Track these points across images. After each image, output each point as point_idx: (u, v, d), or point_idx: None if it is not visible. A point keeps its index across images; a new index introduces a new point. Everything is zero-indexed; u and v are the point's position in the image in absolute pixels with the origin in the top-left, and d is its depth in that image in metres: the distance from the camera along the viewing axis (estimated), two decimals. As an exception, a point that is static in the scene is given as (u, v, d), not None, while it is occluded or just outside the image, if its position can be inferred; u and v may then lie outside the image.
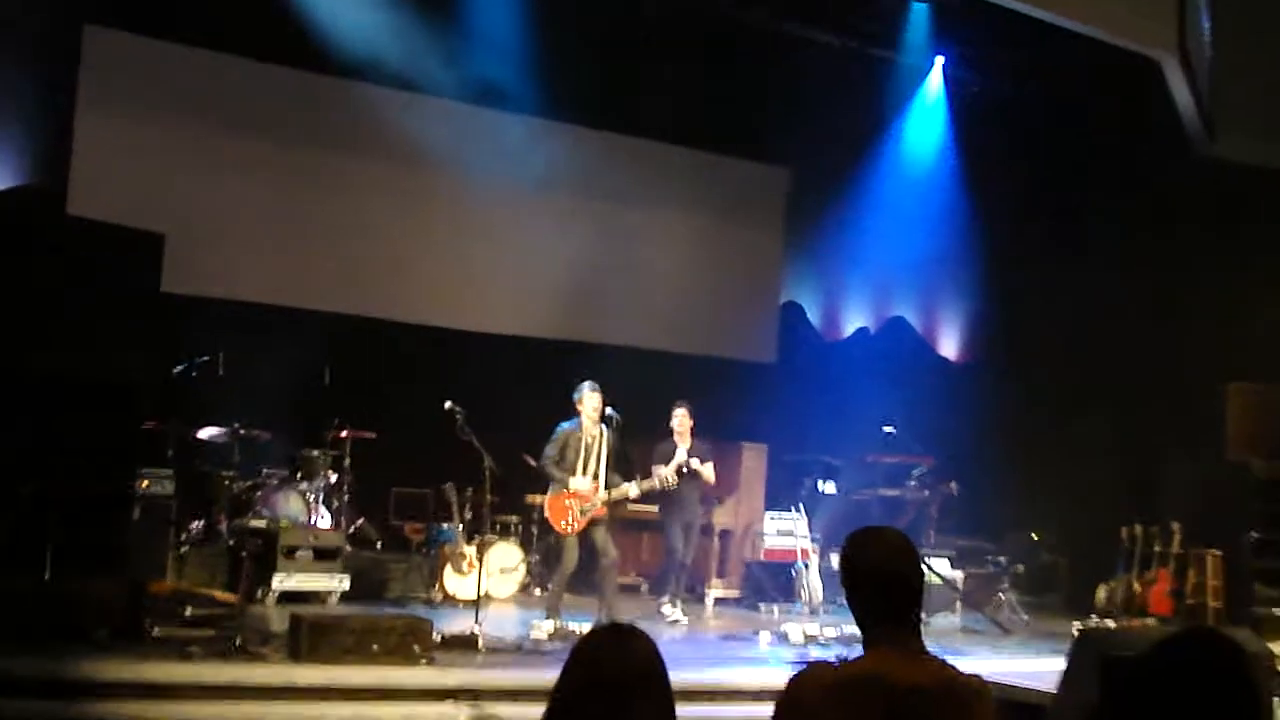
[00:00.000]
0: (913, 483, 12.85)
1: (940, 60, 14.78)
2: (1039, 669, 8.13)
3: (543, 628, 9.35)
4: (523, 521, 12.12)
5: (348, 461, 11.43)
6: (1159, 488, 12.71)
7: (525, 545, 12.00)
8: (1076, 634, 7.14)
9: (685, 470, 10.96)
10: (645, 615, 10.55)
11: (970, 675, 3.12)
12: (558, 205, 13.42)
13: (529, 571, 11.90)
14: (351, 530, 11.41)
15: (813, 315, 15.66)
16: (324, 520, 10.98)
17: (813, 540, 12.42)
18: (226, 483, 10.86)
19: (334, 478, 11.31)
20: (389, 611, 9.50)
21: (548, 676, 2.92)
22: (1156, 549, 12.02)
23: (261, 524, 10.44)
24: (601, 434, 9.88)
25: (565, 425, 9.91)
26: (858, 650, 3.13)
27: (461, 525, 11.42)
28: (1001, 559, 12.63)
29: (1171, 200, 13.13)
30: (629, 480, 10.20)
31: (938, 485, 12.68)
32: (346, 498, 11.40)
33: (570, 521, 9.73)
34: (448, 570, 11.24)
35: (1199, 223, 12.84)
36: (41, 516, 8.00)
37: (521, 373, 12.58)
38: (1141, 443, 13.13)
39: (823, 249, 15.26)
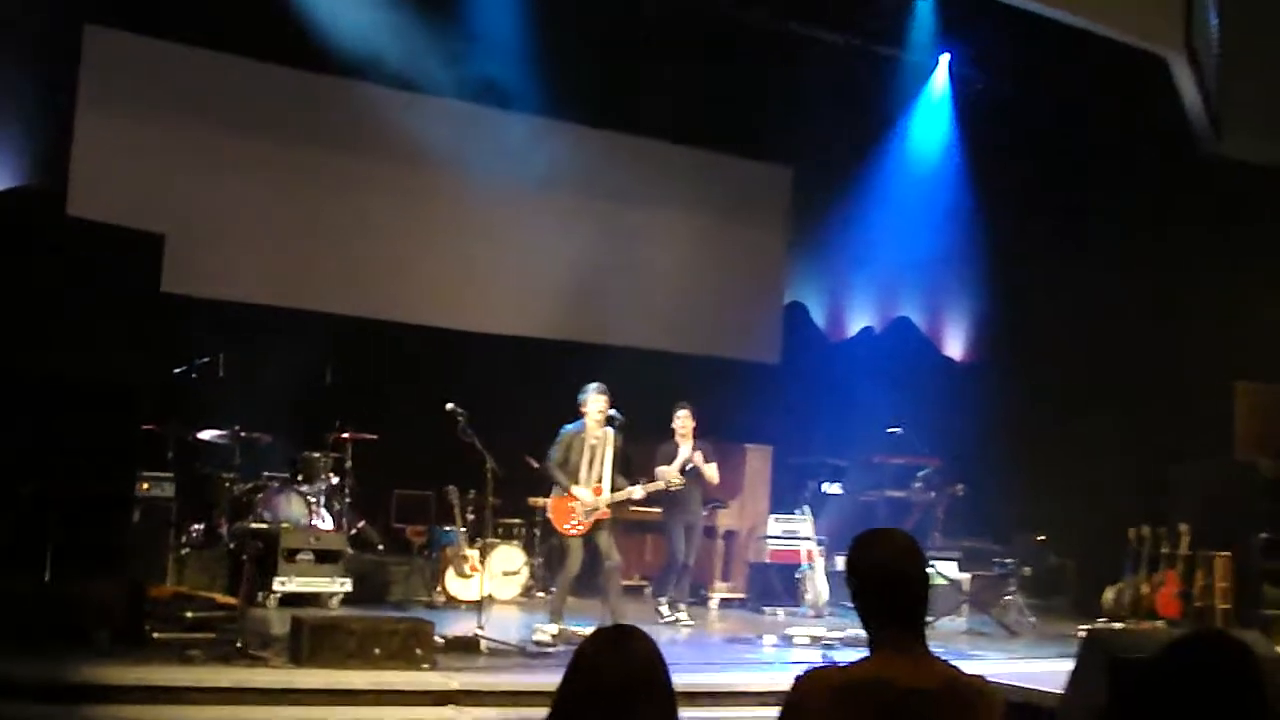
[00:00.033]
0: (919, 484, 12.82)
1: (945, 58, 14.73)
2: (1046, 671, 8.06)
3: (546, 631, 9.30)
4: (525, 524, 12.10)
5: (349, 464, 11.39)
6: (1167, 488, 12.66)
7: (528, 548, 11.98)
8: (1084, 636, 7.08)
9: (689, 467, 10.93)
10: (649, 618, 10.52)
11: (974, 676, 3.12)
12: (560, 205, 13.39)
13: (532, 574, 11.88)
14: (353, 533, 11.34)
15: (817, 315, 15.63)
16: (325, 523, 10.93)
17: (818, 542, 12.40)
18: (227, 485, 10.84)
19: (335, 480, 11.27)
20: (391, 615, 9.41)
21: (551, 680, 2.92)
22: (1164, 550, 11.97)
23: (262, 527, 10.40)
24: (606, 436, 9.80)
25: (569, 427, 9.84)
26: (864, 652, 3.12)
27: (464, 527, 11.37)
28: (1008, 561, 12.54)
29: (1176, 199, 13.08)
30: (634, 483, 10.14)
31: (944, 486, 12.63)
32: (348, 500, 11.36)
33: (574, 524, 9.66)
34: (450, 573, 11.20)
35: (1203, 221, 12.78)
36: (41, 517, 7.97)
37: (524, 374, 12.56)
38: (1149, 443, 13.07)
39: (827, 248, 15.24)
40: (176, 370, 10.74)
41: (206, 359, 10.74)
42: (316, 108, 12.42)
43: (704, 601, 12.44)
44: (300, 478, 11.07)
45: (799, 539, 12.43)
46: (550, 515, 9.90)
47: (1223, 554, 11.77)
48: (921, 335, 16.02)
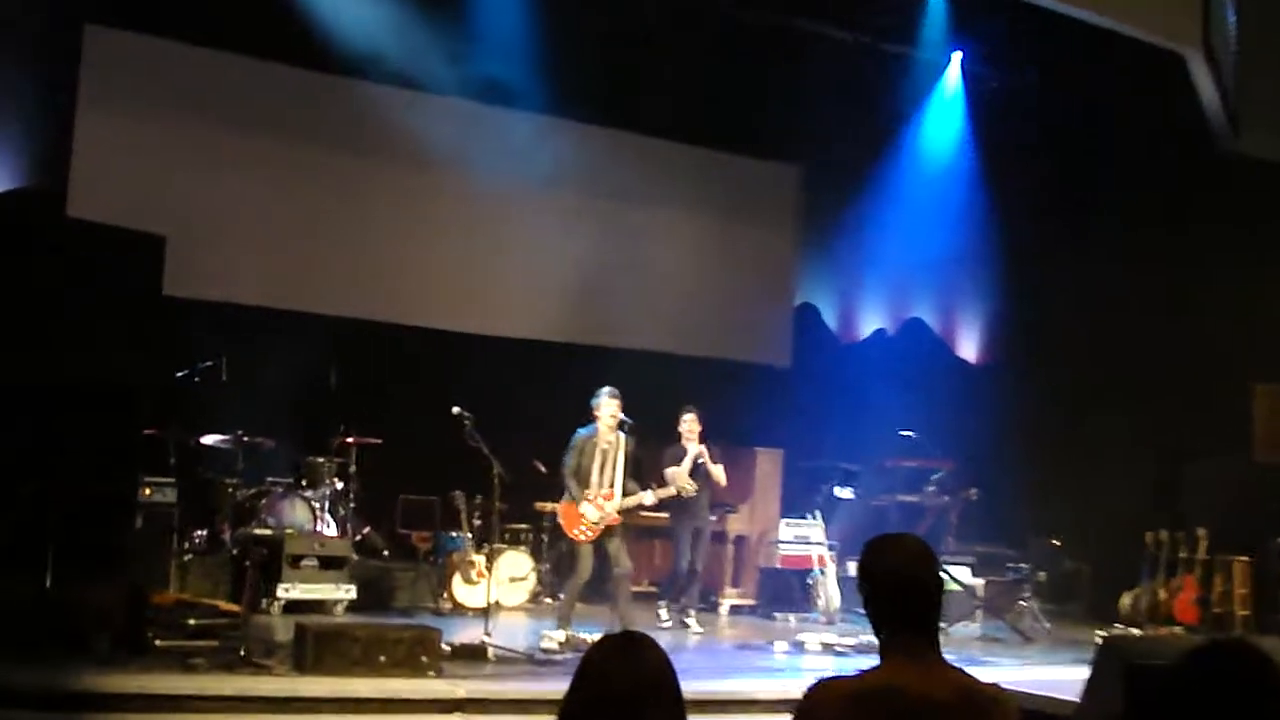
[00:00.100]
0: (932, 488, 12.74)
1: (958, 55, 14.63)
2: (1062, 678, 8.01)
3: (554, 637, 9.25)
4: (533, 529, 12.08)
5: (353, 468, 11.33)
6: (1184, 491, 12.55)
7: (535, 553, 11.96)
8: (1100, 643, 7.04)
9: (699, 461, 10.93)
10: (657, 624, 10.46)
11: (988, 684, 3.09)
12: (565, 204, 13.32)
13: (539, 580, 11.84)
14: (358, 539, 11.30)
15: (828, 317, 15.54)
16: (330, 528, 10.88)
17: (830, 547, 12.35)
18: (230, 490, 10.79)
19: (340, 485, 11.22)
20: (396, 621, 9.45)
21: (559, 688, 2.89)
22: (1182, 555, 11.92)
23: (266, 532, 10.34)
24: (618, 441, 9.75)
25: (582, 432, 9.79)
26: (876, 659, 3.11)
27: (470, 533, 11.34)
28: (1023, 566, 12.51)
29: (1193, 197, 12.98)
30: (645, 488, 10.08)
31: (957, 490, 12.57)
32: (353, 505, 11.31)
33: (584, 529, 9.57)
34: (456, 579, 11.15)
35: (1221, 220, 12.67)
36: (41, 518, 7.93)
37: (529, 376, 12.50)
38: (1166, 445, 12.98)
39: (839, 249, 15.15)
40: (178, 374, 10.69)
41: (209, 362, 10.70)
42: (319, 107, 12.37)
43: (714, 608, 12.38)
44: (304, 483, 11.02)
45: (810, 544, 12.37)
46: (561, 520, 9.90)
47: (1241, 559, 11.72)
48: (935, 337, 15.92)
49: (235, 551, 10.30)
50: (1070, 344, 14.36)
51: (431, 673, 7.67)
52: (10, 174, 10.69)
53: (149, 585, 8.79)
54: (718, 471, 11.12)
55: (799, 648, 10.00)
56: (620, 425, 9.70)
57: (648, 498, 9.99)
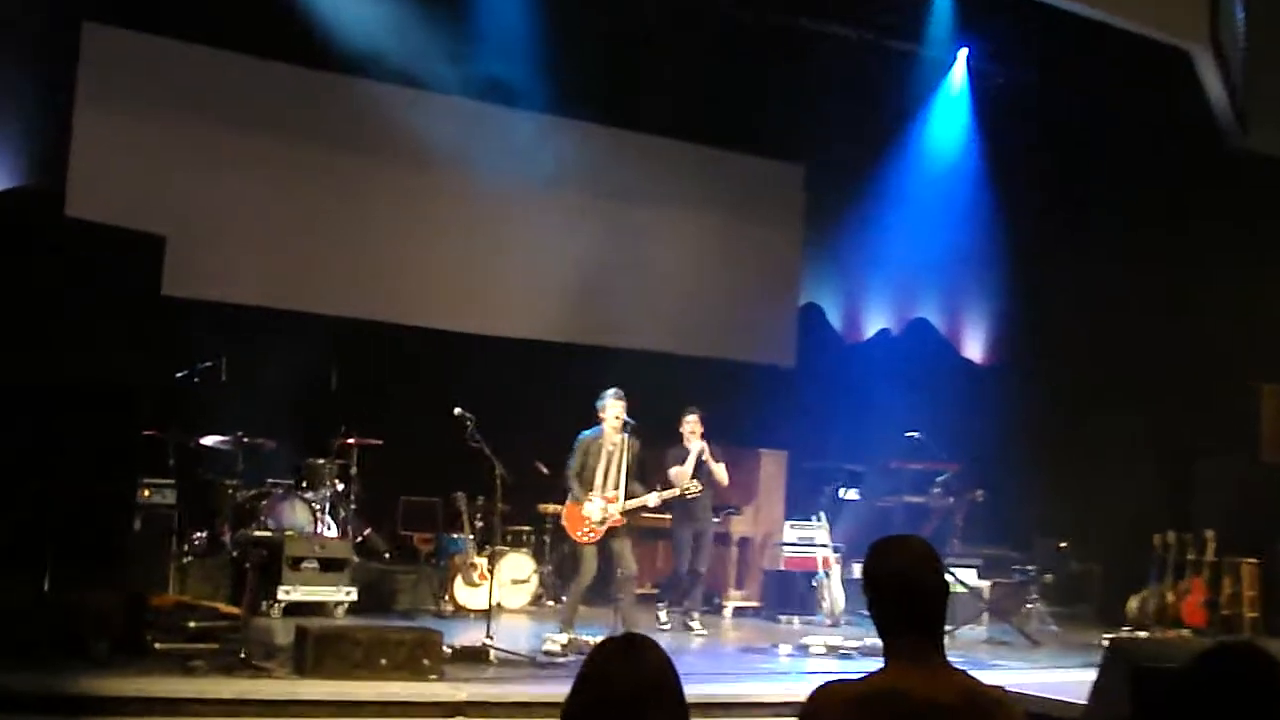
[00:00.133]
0: (937, 489, 12.68)
1: (964, 53, 14.56)
2: (1069, 681, 8.00)
3: (556, 640, 9.21)
4: (535, 531, 12.06)
5: (354, 470, 11.30)
6: (1192, 492, 12.50)
7: (538, 555, 11.95)
8: (1107, 646, 7.01)
9: (703, 458, 10.90)
10: (659, 627, 10.47)
11: (992, 687, 3.09)
12: (567, 204, 13.27)
13: (542, 582, 11.81)
14: (359, 540, 11.28)
15: (833, 317, 15.49)
16: (330, 530, 10.85)
17: (834, 549, 12.33)
18: (230, 492, 10.76)
19: (340, 486, 11.20)
20: (397, 624, 9.43)
21: (561, 690, 2.87)
22: (1190, 557, 11.87)
23: (266, 534, 10.32)
24: (623, 442, 9.72)
25: (586, 434, 9.78)
26: (880, 662, 3.10)
27: (472, 535, 11.30)
28: (1029, 568, 12.49)
29: (1201, 194, 12.93)
30: (649, 489, 10.04)
31: (963, 492, 12.50)
32: (353, 507, 11.27)
33: (588, 531, 9.53)
34: (458, 581, 11.12)
35: (1229, 217, 12.63)
36: (40, 519, 7.89)
37: (530, 377, 12.48)
38: (1174, 446, 12.93)
39: (843, 248, 15.09)
40: (178, 374, 10.67)
41: (209, 363, 10.68)
42: (319, 106, 12.34)
43: (718, 610, 12.37)
44: (304, 484, 10.99)
45: (815, 546, 12.34)
46: (564, 523, 9.88)
47: (1250, 561, 11.66)
48: (940, 337, 15.88)
49: (235, 553, 10.27)
50: (1075, 344, 14.32)
51: (433, 676, 7.63)
52: (9, 173, 10.68)
53: (148, 587, 8.79)
54: (719, 470, 11.08)
55: (803, 650, 9.94)
56: (624, 426, 9.67)
57: (651, 499, 9.96)
